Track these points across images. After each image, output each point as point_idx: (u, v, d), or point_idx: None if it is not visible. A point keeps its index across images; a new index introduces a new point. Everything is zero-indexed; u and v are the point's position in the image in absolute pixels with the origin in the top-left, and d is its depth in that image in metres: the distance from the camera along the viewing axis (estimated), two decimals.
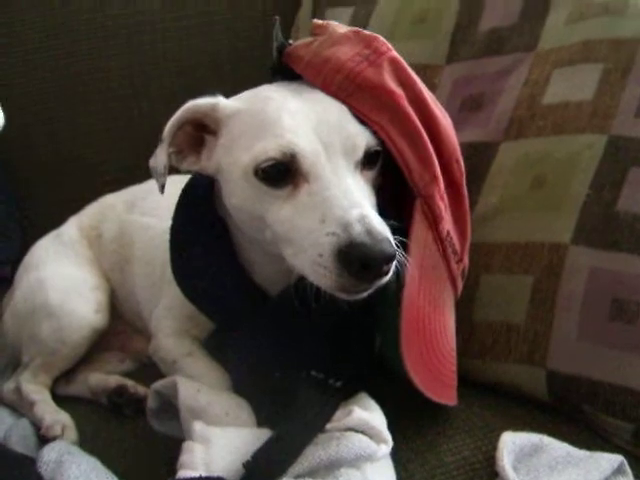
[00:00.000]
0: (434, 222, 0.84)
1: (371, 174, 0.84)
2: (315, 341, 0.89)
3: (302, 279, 0.79)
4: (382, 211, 0.80)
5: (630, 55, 0.99)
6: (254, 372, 0.92)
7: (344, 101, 0.82)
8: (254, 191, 0.81)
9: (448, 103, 1.11)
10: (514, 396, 0.96)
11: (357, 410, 0.80)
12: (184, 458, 0.77)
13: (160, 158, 0.85)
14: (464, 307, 0.97)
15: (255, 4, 1.61)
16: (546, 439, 0.84)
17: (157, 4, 1.58)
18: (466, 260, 0.93)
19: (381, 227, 0.74)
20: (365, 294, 0.77)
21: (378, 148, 0.83)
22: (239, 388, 0.94)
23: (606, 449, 0.86)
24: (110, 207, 1.32)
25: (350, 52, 0.82)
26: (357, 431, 0.79)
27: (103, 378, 1.17)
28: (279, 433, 0.80)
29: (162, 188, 0.87)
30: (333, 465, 0.76)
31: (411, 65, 0.85)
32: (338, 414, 0.82)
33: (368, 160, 0.82)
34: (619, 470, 0.82)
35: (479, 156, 1.06)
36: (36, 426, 1.08)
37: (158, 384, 0.92)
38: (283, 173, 0.79)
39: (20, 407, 1.16)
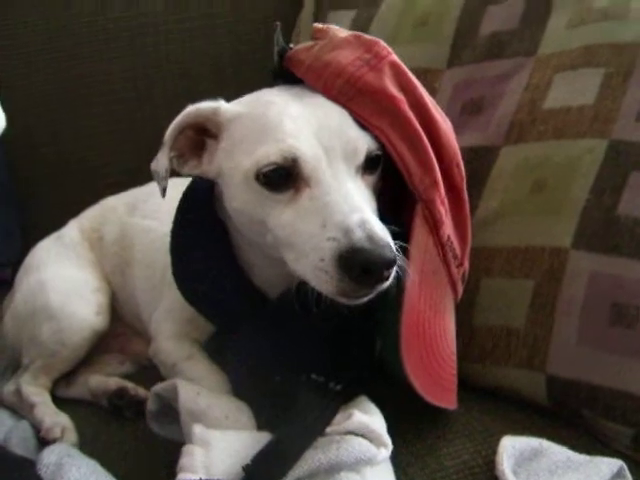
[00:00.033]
0: (435, 227, 0.84)
1: (372, 179, 0.84)
2: (315, 344, 0.89)
3: (303, 283, 0.79)
4: (382, 216, 0.80)
5: (631, 59, 1.00)
6: (254, 375, 0.92)
7: (345, 105, 0.82)
8: (255, 195, 0.81)
9: (449, 107, 1.11)
10: (514, 400, 0.96)
11: (357, 414, 0.80)
12: (184, 461, 0.77)
13: (161, 162, 0.85)
14: (464, 311, 0.97)
15: (257, 7, 1.61)
16: (546, 443, 0.84)
17: (159, 6, 1.58)
18: (466, 264, 0.93)
19: (382, 232, 0.74)
20: (366, 299, 0.77)
21: (379, 152, 0.83)
22: (239, 391, 0.94)
23: (606, 454, 0.86)
24: (111, 209, 1.32)
25: (351, 56, 0.82)
26: (357, 435, 0.79)
27: (103, 380, 1.17)
28: (279, 436, 0.80)
29: (164, 192, 0.87)
30: (333, 469, 0.76)
31: (412, 69, 0.85)
32: (338, 417, 0.81)
33: (369, 165, 0.82)
34: (619, 475, 0.82)
35: (479, 160, 1.06)
36: (36, 428, 1.08)
37: (158, 387, 0.92)
38: (284, 177, 0.79)
39: (20, 409, 1.16)
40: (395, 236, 0.76)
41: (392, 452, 0.80)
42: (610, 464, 0.82)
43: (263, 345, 0.92)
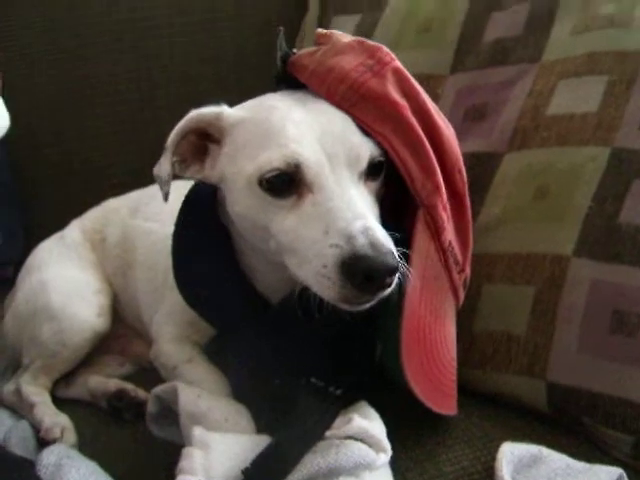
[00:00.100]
0: (436, 232, 0.84)
1: (375, 185, 0.84)
2: (316, 349, 0.89)
3: (305, 289, 0.79)
4: (383, 222, 0.80)
5: (635, 67, 1.00)
6: (254, 378, 0.92)
7: (347, 111, 0.82)
8: (258, 201, 0.81)
9: (451, 113, 1.11)
10: (514, 407, 0.96)
11: (357, 418, 0.80)
12: (183, 463, 0.77)
13: (164, 167, 0.85)
14: (465, 317, 0.97)
15: (261, 11, 1.61)
16: (545, 450, 0.84)
17: (164, 9, 1.59)
18: (468, 270, 0.93)
19: (385, 239, 0.74)
20: (368, 305, 0.77)
21: (381, 158, 0.83)
22: (239, 394, 0.94)
23: (605, 461, 0.85)
24: (114, 211, 1.32)
25: (354, 62, 0.82)
26: (356, 439, 0.79)
27: (103, 381, 1.17)
28: (278, 440, 0.80)
29: (166, 196, 0.87)
30: (332, 473, 0.76)
31: (415, 75, 0.85)
32: (338, 422, 0.82)
33: (371, 171, 0.82)
34: None
35: (482, 166, 1.06)
36: (36, 428, 1.08)
37: (158, 389, 0.92)
38: (287, 183, 0.79)
39: (20, 409, 1.16)
40: (396, 242, 0.76)
41: (391, 457, 0.80)
42: (610, 472, 0.82)
43: (264, 349, 0.92)
